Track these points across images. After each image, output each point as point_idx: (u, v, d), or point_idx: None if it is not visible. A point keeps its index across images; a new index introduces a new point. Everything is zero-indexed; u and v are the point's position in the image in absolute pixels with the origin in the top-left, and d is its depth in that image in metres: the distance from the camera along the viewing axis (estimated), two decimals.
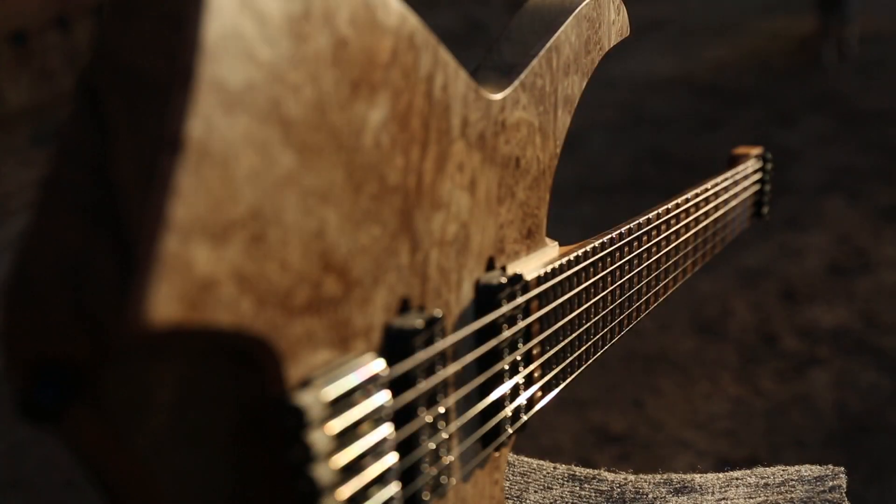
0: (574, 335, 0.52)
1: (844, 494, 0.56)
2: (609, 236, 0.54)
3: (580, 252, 0.51)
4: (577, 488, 0.61)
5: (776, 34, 3.17)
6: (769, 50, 3.11)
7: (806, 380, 1.53)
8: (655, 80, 2.99)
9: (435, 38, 0.38)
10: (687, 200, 0.65)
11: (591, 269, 0.53)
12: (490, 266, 0.45)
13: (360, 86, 0.33)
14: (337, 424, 0.31)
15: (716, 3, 3.68)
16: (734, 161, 0.78)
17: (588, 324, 0.53)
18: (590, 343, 0.54)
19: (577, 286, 0.51)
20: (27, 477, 1.36)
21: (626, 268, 0.57)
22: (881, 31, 3.22)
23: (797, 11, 3.25)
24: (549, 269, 0.48)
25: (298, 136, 0.30)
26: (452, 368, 0.40)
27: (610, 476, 0.63)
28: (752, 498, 0.57)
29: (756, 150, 0.81)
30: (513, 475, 0.63)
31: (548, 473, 0.64)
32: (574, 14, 0.51)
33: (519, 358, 0.46)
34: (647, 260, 0.60)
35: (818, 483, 0.57)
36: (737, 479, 0.61)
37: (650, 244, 0.60)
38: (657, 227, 0.60)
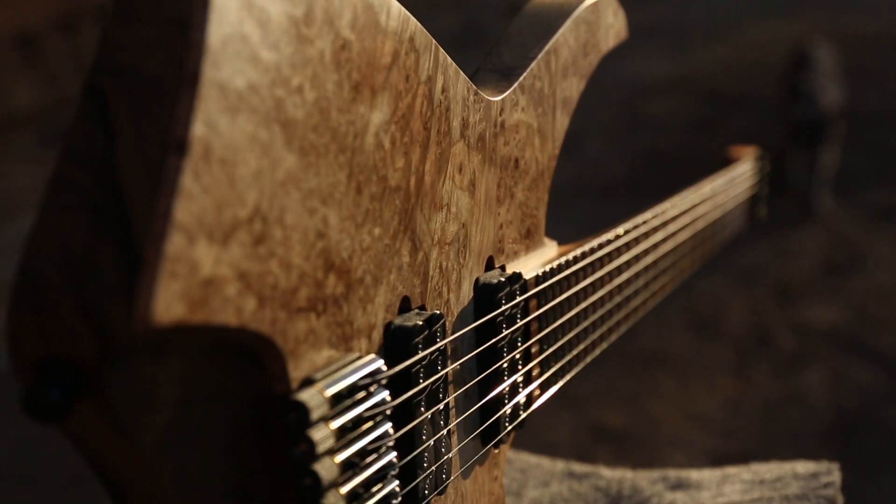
0: (572, 334, 0.52)
1: (839, 490, 0.56)
2: (607, 236, 0.55)
3: (578, 252, 0.52)
4: (575, 485, 0.62)
5: (772, 36, 3.17)
6: (765, 52, 3.12)
7: (801, 378, 1.54)
8: (653, 82, 3.00)
9: (435, 41, 0.38)
10: (684, 202, 0.65)
11: (590, 269, 0.53)
12: (489, 266, 0.45)
13: (361, 88, 0.34)
14: (339, 421, 0.32)
15: (713, 6, 3.69)
16: (728, 160, 0.78)
17: (586, 322, 0.54)
18: (588, 341, 0.54)
19: (576, 285, 0.52)
20: (36, 474, 1.37)
21: (624, 267, 0.57)
22: (879, 34, 3.24)
23: (792, 14, 3.25)
24: (547, 268, 0.49)
25: (301, 137, 0.31)
26: (452, 366, 0.41)
27: (607, 472, 0.64)
28: (747, 494, 0.58)
29: (750, 149, 0.81)
30: (512, 471, 0.64)
31: (546, 470, 0.64)
32: (572, 17, 0.52)
33: (518, 356, 0.46)
34: (645, 260, 0.60)
35: (813, 479, 0.57)
36: (732, 475, 0.61)
37: (647, 244, 0.60)
38: (655, 228, 0.61)
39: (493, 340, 0.44)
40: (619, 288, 0.57)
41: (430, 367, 0.39)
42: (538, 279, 0.48)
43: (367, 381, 0.33)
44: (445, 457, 0.40)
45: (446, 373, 0.40)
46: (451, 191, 0.41)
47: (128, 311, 0.25)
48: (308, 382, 0.32)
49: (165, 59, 0.27)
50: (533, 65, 0.49)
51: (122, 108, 0.27)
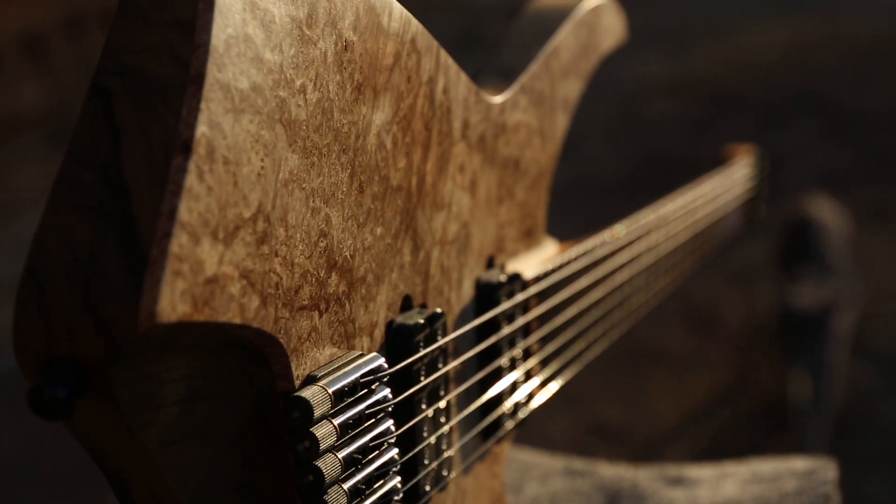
0: (572, 332, 0.53)
1: (835, 487, 0.57)
2: (606, 235, 0.55)
3: (578, 250, 0.52)
4: (575, 481, 0.62)
5: (772, 37, 3.17)
6: (765, 53, 3.12)
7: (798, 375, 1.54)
8: (652, 83, 3.00)
9: (436, 42, 0.38)
10: (684, 201, 0.66)
11: (589, 267, 0.53)
12: (490, 264, 0.46)
13: (363, 89, 0.34)
14: (341, 418, 0.32)
15: (712, 6, 3.69)
16: (722, 159, 0.79)
17: (586, 320, 0.54)
18: (588, 339, 0.55)
19: (575, 284, 0.52)
20: (42, 471, 1.37)
21: (624, 266, 0.58)
22: (877, 34, 3.24)
23: (791, 15, 3.24)
24: (547, 267, 0.49)
25: (304, 138, 0.31)
26: (453, 364, 0.41)
27: (607, 469, 0.64)
28: (745, 490, 0.58)
29: (745, 149, 0.82)
30: (512, 468, 0.64)
31: (546, 466, 0.65)
32: (573, 19, 0.52)
33: (518, 354, 0.47)
34: (644, 259, 0.60)
35: (809, 476, 0.58)
36: (730, 472, 0.62)
37: (647, 243, 0.60)
38: (654, 227, 0.61)
39: (494, 338, 0.44)
40: (619, 286, 0.57)
41: (431, 364, 0.39)
42: (538, 277, 0.48)
43: (369, 378, 0.34)
44: (446, 454, 0.40)
45: (447, 370, 0.40)
46: (453, 190, 0.41)
47: (133, 310, 0.26)
48: (311, 380, 0.32)
49: (170, 61, 0.27)
50: (533, 66, 0.49)
51: (127, 109, 0.28)
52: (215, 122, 0.27)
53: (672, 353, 1.64)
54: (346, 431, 0.32)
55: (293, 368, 0.31)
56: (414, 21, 0.37)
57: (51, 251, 0.27)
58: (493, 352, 0.45)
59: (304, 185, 0.31)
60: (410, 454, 0.38)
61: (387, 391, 0.35)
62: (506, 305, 0.44)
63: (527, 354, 0.48)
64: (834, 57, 3.04)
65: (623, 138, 2.66)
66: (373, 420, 0.34)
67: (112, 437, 0.29)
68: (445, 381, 0.40)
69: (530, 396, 0.49)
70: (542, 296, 0.49)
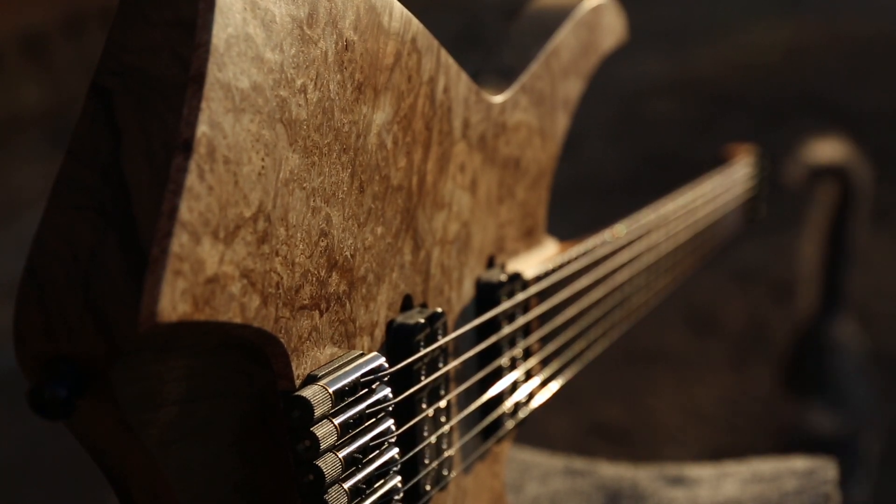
0: (572, 331, 0.53)
1: (835, 487, 0.57)
2: (607, 235, 0.55)
3: (578, 250, 0.52)
4: (575, 481, 0.62)
5: (772, 36, 3.17)
6: (765, 52, 3.12)
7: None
8: (653, 82, 3.00)
9: (437, 41, 0.38)
10: (684, 200, 0.66)
11: (590, 267, 0.53)
12: (490, 264, 0.46)
13: (364, 88, 0.34)
14: (342, 418, 0.32)
15: (713, 6, 3.69)
16: (723, 159, 0.79)
17: (586, 320, 0.54)
18: (588, 339, 0.55)
19: (576, 283, 0.52)
20: (43, 471, 1.37)
21: (624, 266, 0.58)
22: (878, 33, 3.24)
23: (791, 14, 3.24)
24: (547, 266, 0.49)
25: (304, 137, 0.31)
26: (453, 364, 0.41)
27: (607, 469, 0.64)
28: (745, 490, 0.58)
29: (746, 148, 0.82)
30: (512, 467, 0.64)
31: (546, 466, 0.65)
32: (573, 19, 0.52)
33: (518, 353, 0.47)
34: (645, 258, 0.60)
35: (810, 476, 0.58)
36: (731, 471, 0.62)
37: (647, 243, 0.60)
38: (655, 227, 0.61)
39: (494, 338, 0.44)
40: (619, 286, 0.57)
41: (432, 364, 0.39)
42: (538, 277, 0.48)
43: (370, 378, 0.34)
44: (447, 453, 0.40)
45: (447, 370, 0.40)
46: (453, 190, 0.41)
47: (134, 309, 0.26)
48: (311, 379, 0.32)
49: (171, 60, 0.27)
50: (534, 65, 0.49)
51: (127, 108, 0.28)
52: (216, 122, 0.27)
53: (672, 352, 1.64)
54: (347, 431, 0.32)
55: (294, 368, 0.31)
56: (414, 20, 0.37)
57: (51, 251, 0.27)
58: (494, 351, 0.45)
59: (304, 185, 0.31)
60: (411, 454, 0.38)
61: (387, 391, 0.35)
62: (506, 305, 0.44)
63: (527, 354, 0.48)
64: (834, 57, 3.04)
65: (623, 138, 2.66)
66: (373, 419, 0.34)
67: (112, 436, 0.29)
68: (446, 381, 0.40)
69: (530, 396, 0.49)
70: (542, 295, 0.49)
